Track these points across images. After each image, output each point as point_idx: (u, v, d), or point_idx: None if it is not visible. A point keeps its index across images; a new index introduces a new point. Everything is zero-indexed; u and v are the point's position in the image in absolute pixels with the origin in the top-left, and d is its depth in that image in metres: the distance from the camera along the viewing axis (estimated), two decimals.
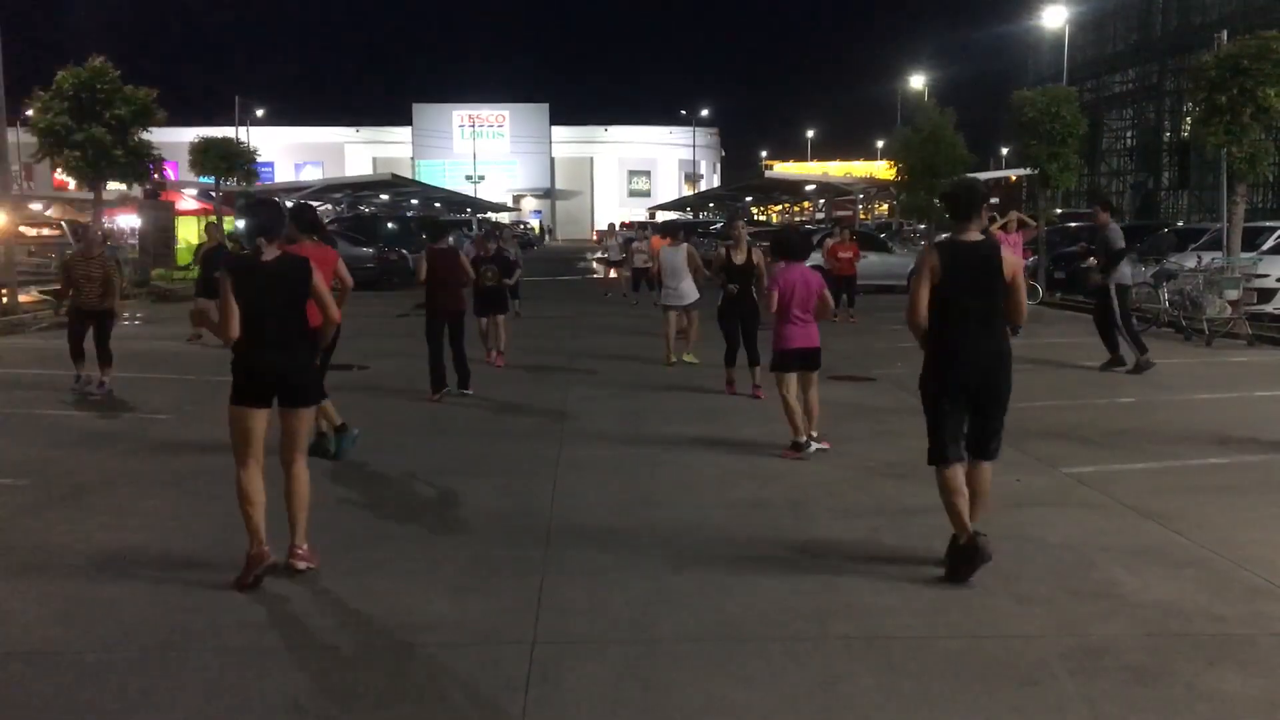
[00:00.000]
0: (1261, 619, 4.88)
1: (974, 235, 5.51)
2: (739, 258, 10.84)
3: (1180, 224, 32.84)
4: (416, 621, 4.88)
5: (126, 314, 19.81)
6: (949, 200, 5.61)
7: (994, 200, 56.87)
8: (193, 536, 6.18)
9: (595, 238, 59.79)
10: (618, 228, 31.60)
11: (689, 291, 13.20)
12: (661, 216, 68.72)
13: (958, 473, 5.42)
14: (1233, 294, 15.59)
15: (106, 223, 28.58)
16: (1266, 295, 16.66)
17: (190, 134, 33.09)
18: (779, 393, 8.34)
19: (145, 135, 22.80)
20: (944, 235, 5.90)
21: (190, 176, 35.97)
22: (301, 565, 5.45)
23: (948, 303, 5.39)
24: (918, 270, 5.56)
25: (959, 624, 4.85)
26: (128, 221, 34.43)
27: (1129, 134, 56.00)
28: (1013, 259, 5.54)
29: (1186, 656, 4.46)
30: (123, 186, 26.97)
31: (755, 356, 10.69)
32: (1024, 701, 4.09)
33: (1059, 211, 35.11)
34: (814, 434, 8.35)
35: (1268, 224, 21.37)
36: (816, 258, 22.21)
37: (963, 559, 5.38)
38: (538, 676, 4.31)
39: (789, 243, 8.72)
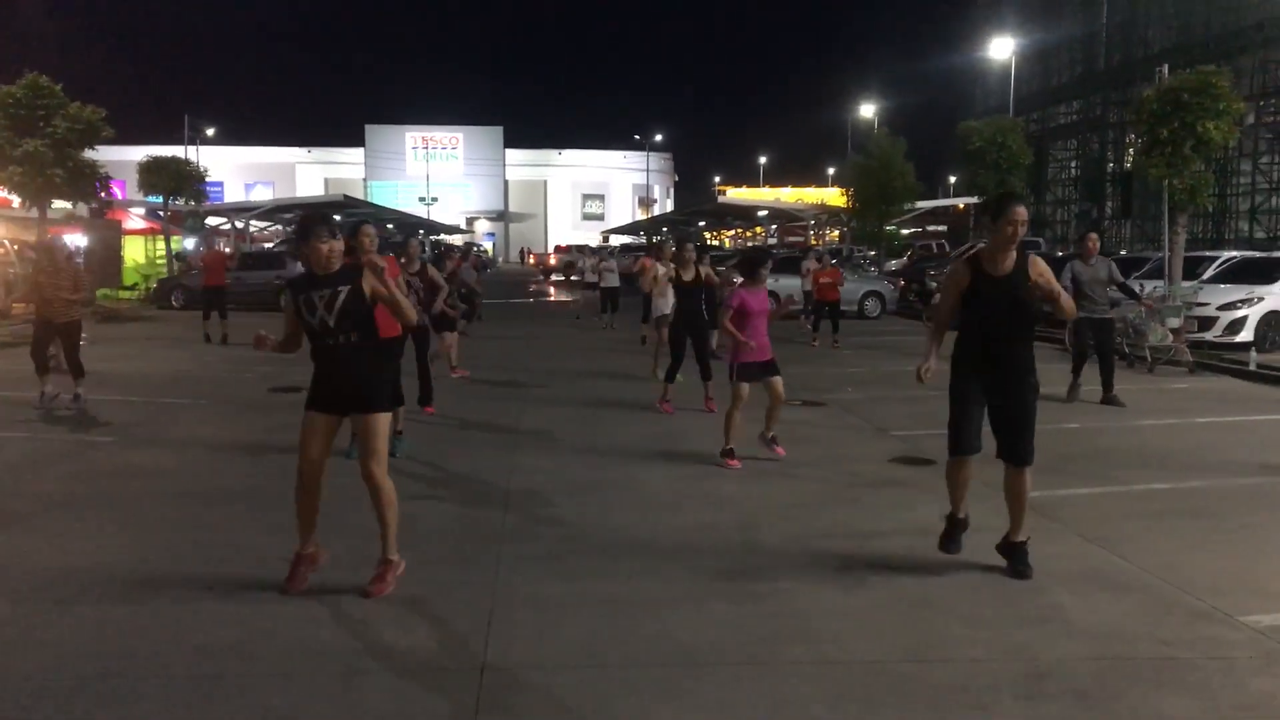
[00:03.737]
0: (1203, 643, 4.96)
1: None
2: (688, 275, 11.53)
3: (1123, 253, 33.50)
4: (364, 647, 4.82)
5: None
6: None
7: (942, 228, 57.76)
8: (137, 561, 6.06)
9: (549, 260, 59.50)
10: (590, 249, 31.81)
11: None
12: (615, 240, 68.89)
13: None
14: (1174, 322, 15.89)
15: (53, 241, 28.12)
16: (1207, 323, 16.99)
17: (139, 152, 32.79)
18: (734, 406, 8.72)
19: (91, 153, 22.51)
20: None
21: (138, 195, 35.53)
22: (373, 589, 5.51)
23: None
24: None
25: (908, 648, 4.88)
26: (73, 240, 33.90)
27: (1073, 164, 57.04)
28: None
29: (1131, 680, 4.52)
30: (69, 205, 26.59)
31: (707, 372, 11.31)
32: None
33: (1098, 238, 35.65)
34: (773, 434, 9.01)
35: (1208, 254, 21.87)
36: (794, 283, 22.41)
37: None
38: (487, 703, 4.27)
39: (755, 263, 9.13)
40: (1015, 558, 5.99)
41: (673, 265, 12.07)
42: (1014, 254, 5.86)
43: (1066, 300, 6.06)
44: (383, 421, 5.58)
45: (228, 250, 26.53)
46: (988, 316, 5.83)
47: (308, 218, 5.65)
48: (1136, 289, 17.56)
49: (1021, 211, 5.76)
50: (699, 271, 11.63)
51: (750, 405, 8.84)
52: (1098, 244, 12.67)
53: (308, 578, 5.60)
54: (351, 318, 5.43)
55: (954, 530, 6.22)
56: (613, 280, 23.37)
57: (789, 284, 23.81)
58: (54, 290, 11.21)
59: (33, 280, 11.74)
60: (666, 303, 13.93)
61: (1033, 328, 6.03)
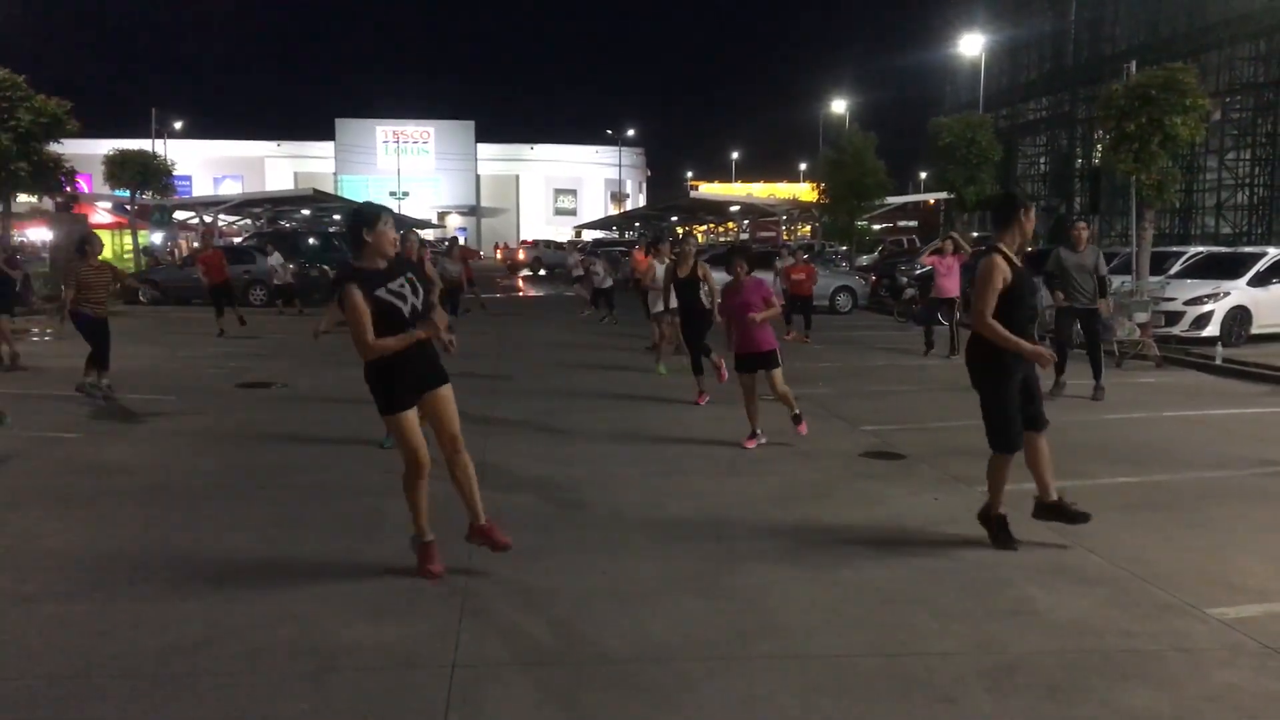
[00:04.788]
0: (1170, 635, 5.00)
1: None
2: (684, 271, 11.95)
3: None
4: (334, 645, 4.78)
5: (36, 330, 19.31)
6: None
7: (913, 224, 58.06)
8: (102, 558, 6.00)
9: (516, 255, 59.02)
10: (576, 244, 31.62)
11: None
12: (588, 235, 68.83)
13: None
14: (1142, 317, 16.02)
15: (17, 236, 27.79)
16: (1174, 318, 17.15)
17: (105, 146, 32.49)
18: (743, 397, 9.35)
19: (56, 146, 22.22)
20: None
21: (105, 189, 35.15)
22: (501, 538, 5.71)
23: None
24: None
25: (878, 642, 4.89)
26: (39, 235, 33.50)
27: (1042, 160, 57.47)
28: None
29: (1099, 673, 4.55)
30: (34, 199, 26.27)
31: (699, 365, 11.80)
32: (942, 718, 4.14)
33: (975, 235, 35.85)
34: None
35: (1175, 249, 22.07)
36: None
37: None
38: (458, 700, 4.25)
39: (753, 255, 9.73)
40: (1062, 513, 6.43)
41: (671, 262, 12.44)
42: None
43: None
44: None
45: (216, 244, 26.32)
46: (1026, 308, 6.23)
47: (369, 206, 5.72)
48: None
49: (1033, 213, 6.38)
50: (697, 267, 11.97)
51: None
52: (1086, 232, 12.63)
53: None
54: (424, 301, 5.59)
55: (1005, 525, 6.43)
56: (605, 280, 23.41)
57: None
58: (97, 288, 11.38)
59: (74, 278, 11.71)
60: (659, 299, 14.26)
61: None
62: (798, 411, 9.47)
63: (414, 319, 5.48)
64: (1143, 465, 8.66)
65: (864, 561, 6.10)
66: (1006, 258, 6.15)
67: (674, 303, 13.00)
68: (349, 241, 5.67)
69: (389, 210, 5.82)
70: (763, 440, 9.26)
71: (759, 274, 9.85)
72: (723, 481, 8.07)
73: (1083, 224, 12.96)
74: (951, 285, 16.57)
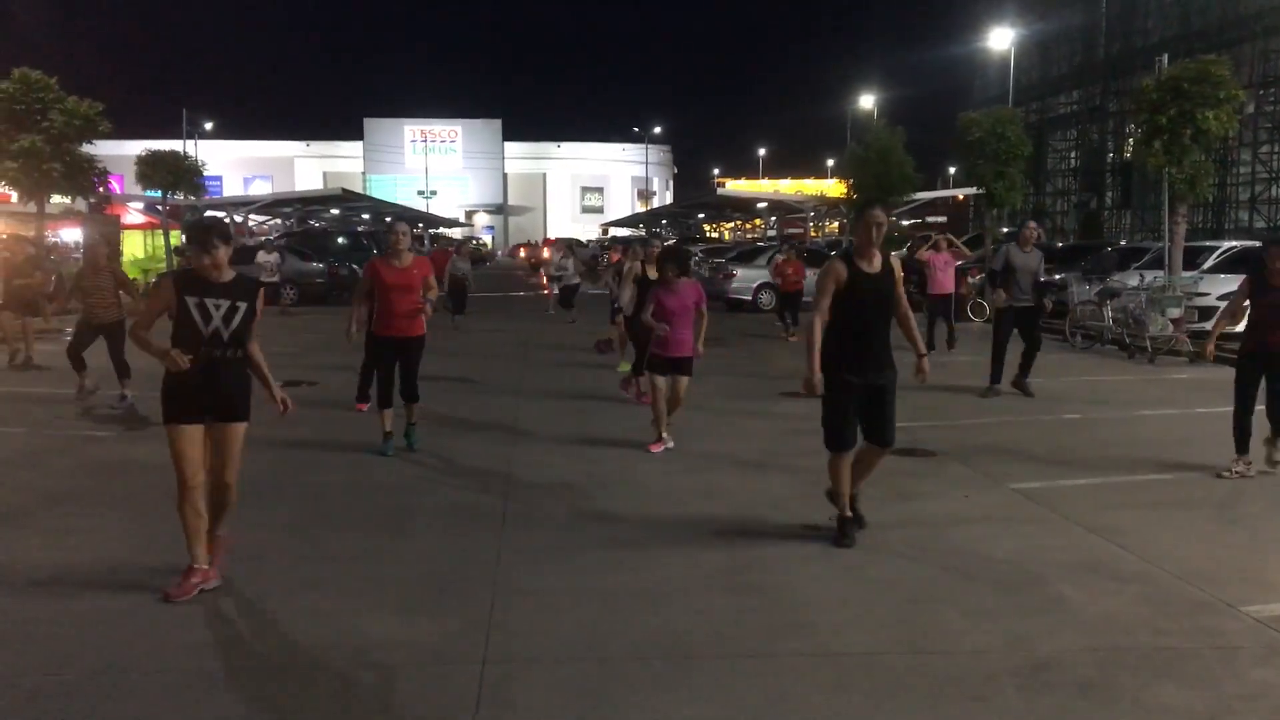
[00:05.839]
0: (1204, 633, 4.96)
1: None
2: (653, 273, 11.54)
3: (1123, 243, 33.48)
4: (364, 642, 4.81)
5: (69, 330, 19.50)
6: None
7: (942, 219, 57.66)
8: (136, 557, 6.06)
9: (540, 254, 58.69)
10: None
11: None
12: (615, 233, 68.85)
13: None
14: (1175, 312, 15.88)
15: (51, 236, 28.08)
16: (1207, 313, 16.96)
17: (137, 147, 32.68)
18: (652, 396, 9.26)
19: (88, 148, 22.43)
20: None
21: (136, 190, 35.44)
22: None
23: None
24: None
25: (907, 640, 4.87)
26: (72, 235, 33.85)
27: (1073, 154, 56.93)
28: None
29: (1132, 671, 4.52)
30: (67, 200, 26.53)
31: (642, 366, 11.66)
32: (973, 717, 4.12)
33: (1005, 230, 35.62)
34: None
35: (1208, 244, 21.83)
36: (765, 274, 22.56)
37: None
38: (488, 696, 4.27)
39: (682, 259, 9.52)
40: (843, 526, 6.42)
41: (640, 264, 12.19)
42: (879, 254, 6.29)
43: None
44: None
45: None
46: (863, 312, 6.17)
47: (220, 226, 5.67)
48: (1136, 280, 17.64)
49: (879, 214, 6.27)
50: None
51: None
52: (1035, 232, 12.49)
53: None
54: (233, 334, 5.43)
55: (846, 525, 6.44)
56: (572, 278, 23.45)
57: (756, 274, 25.60)
58: (96, 292, 11.30)
59: (75, 282, 11.77)
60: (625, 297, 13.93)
61: (890, 322, 6.38)
62: (669, 422, 9.28)
63: (214, 342, 5.35)
64: (1175, 462, 8.58)
65: (893, 559, 6.08)
66: (850, 260, 6.20)
67: (627, 302, 13.00)
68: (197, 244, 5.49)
69: (230, 238, 5.62)
70: (669, 445, 9.05)
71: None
72: (749, 479, 8.06)
73: (1033, 223, 12.81)
74: (947, 281, 16.56)
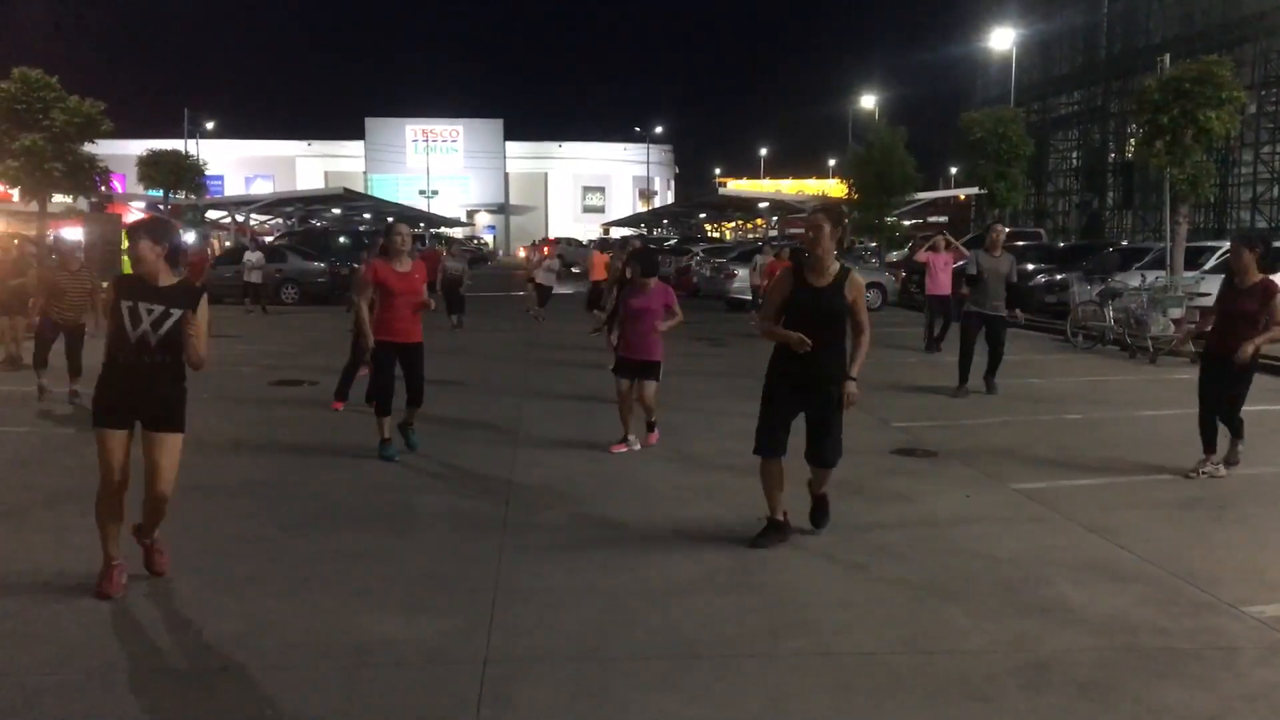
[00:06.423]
0: (1205, 633, 4.95)
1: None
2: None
3: (1125, 243, 33.46)
4: (366, 641, 4.82)
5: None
6: None
7: (944, 219, 57.63)
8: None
9: (542, 252, 58.73)
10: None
11: None
12: (616, 233, 68.89)
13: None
14: (1176, 312, 15.87)
15: (50, 235, 28.07)
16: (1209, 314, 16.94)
17: (138, 146, 32.81)
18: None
19: (90, 147, 22.44)
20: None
21: (138, 189, 35.50)
22: None
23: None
24: None
25: (910, 640, 4.87)
26: (73, 234, 33.89)
27: (1074, 154, 56.88)
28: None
29: (1134, 671, 4.52)
30: (69, 199, 26.54)
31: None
32: (974, 717, 4.12)
33: (1006, 230, 35.62)
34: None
35: (1209, 244, 21.82)
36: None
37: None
38: (490, 696, 4.27)
39: (648, 260, 9.43)
40: (764, 532, 6.36)
41: (622, 265, 12.21)
42: (834, 265, 6.17)
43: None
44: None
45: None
46: (800, 327, 6.03)
47: (177, 239, 5.64)
48: (1137, 280, 17.63)
49: (819, 217, 6.09)
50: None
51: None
52: (1003, 236, 12.47)
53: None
54: (161, 339, 5.35)
55: (772, 527, 6.41)
56: (550, 277, 23.48)
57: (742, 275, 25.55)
58: (65, 293, 11.33)
59: (46, 282, 11.76)
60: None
61: (840, 336, 6.21)
62: (654, 420, 9.28)
63: (140, 347, 5.29)
64: (1177, 462, 8.57)
65: (895, 559, 6.07)
66: (798, 271, 6.20)
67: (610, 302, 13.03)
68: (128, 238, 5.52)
69: (180, 243, 5.63)
70: (636, 447, 9.04)
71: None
72: (751, 479, 8.03)
73: (999, 227, 12.74)
74: (946, 281, 16.57)
